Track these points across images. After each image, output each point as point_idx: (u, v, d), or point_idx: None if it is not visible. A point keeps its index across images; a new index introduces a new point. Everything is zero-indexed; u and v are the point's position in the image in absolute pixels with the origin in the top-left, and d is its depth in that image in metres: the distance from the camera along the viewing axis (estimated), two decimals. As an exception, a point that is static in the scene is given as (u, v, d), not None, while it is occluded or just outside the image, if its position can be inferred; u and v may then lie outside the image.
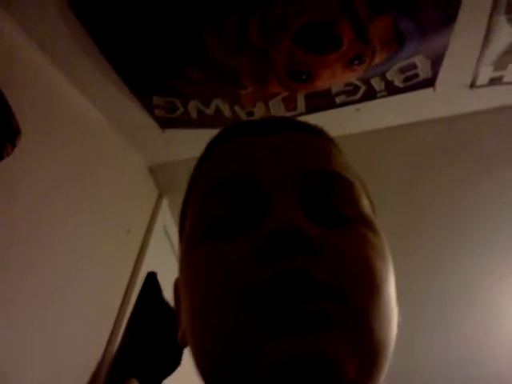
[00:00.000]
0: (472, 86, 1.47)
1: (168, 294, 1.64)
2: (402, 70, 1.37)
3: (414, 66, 1.36)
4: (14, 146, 1.06)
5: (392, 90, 1.46)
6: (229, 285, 0.35)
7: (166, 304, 1.61)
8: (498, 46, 1.29)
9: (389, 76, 1.39)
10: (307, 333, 0.31)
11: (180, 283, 0.44)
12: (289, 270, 0.33)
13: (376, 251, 0.38)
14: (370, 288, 0.35)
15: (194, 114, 1.53)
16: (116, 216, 1.59)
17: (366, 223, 0.41)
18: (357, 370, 0.32)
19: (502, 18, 1.20)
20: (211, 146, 0.50)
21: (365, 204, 0.43)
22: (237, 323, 0.33)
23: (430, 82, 1.43)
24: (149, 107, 1.53)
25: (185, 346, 0.44)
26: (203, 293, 0.37)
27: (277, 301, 0.32)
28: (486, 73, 1.41)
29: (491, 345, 2.38)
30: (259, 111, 1.52)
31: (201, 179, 0.47)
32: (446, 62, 1.35)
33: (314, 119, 1.59)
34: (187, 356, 1.46)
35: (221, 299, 0.35)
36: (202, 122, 1.58)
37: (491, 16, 1.20)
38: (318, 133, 0.49)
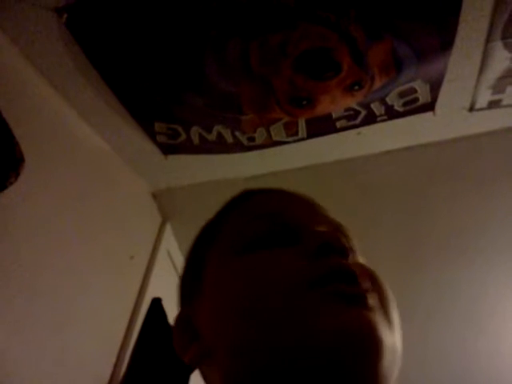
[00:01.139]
0: (471, 109, 1.49)
1: (173, 320, 1.64)
2: (401, 95, 1.39)
3: (413, 91, 1.38)
4: (17, 174, 1.07)
5: (392, 114, 1.47)
6: (289, 274, 0.42)
7: (171, 329, 1.60)
8: (495, 70, 1.31)
9: (389, 100, 1.41)
10: (360, 308, 0.39)
11: (207, 298, 0.50)
12: (339, 267, 0.42)
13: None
14: (389, 295, 0.45)
15: (196, 140, 1.55)
16: (120, 242, 1.60)
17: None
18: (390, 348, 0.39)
19: (498, 44, 1.22)
20: (241, 198, 0.59)
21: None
22: (301, 299, 0.40)
23: (429, 106, 1.45)
24: (151, 134, 1.55)
25: (196, 366, 0.50)
26: (263, 286, 0.43)
27: (332, 284, 0.40)
28: (484, 96, 1.43)
29: (502, 355, 2.38)
30: (261, 137, 1.53)
31: (235, 216, 0.55)
32: (445, 86, 1.37)
33: (315, 143, 1.61)
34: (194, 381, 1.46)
35: (286, 285, 0.42)
36: (204, 148, 1.59)
37: (487, 41, 1.22)
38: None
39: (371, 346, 0.37)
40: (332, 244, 0.44)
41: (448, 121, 1.55)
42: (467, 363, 2.40)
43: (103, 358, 1.41)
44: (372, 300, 0.41)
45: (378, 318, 0.39)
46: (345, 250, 0.44)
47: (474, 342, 2.33)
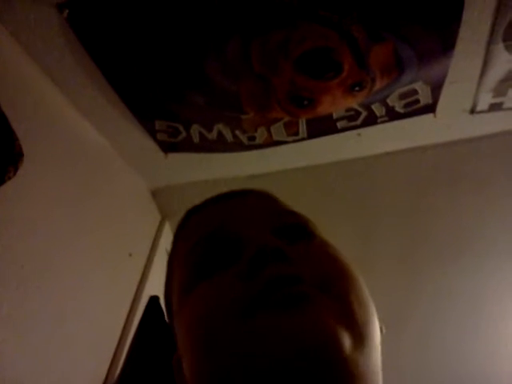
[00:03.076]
0: (472, 111, 1.49)
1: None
2: (402, 96, 1.39)
3: (414, 92, 1.37)
4: (16, 169, 1.06)
5: (393, 115, 1.47)
6: (224, 305, 0.40)
7: (169, 328, 1.59)
8: (496, 72, 1.31)
9: (390, 102, 1.41)
10: (298, 307, 0.37)
11: (179, 343, 0.50)
12: (276, 276, 0.39)
13: (338, 252, 0.47)
14: (344, 276, 0.43)
15: (196, 139, 1.55)
16: (118, 239, 1.59)
17: (324, 240, 0.50)
18: (350, 341, 0.37)
19: (499, 46, 1.21)
20: (184, 220, 0.60)
21: (319, 231, 0.52)
22: (237, 330, 0.38)
23: (430, 108, 1.45)
24: (151, 132, 1.55)
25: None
26: (206, 321, 0.41)
27: (270, 298, 0.38)
28: (485, 99, 1.43)
29: (500, 358, 2.38)
30: (261, 136, 1.53)
31: (180, 245, 0.56)
32: (446, 88, 1.36)
33: (316, 144, 1.61)
34: None
35: (221, 317, 0.40)
36: (204, 147, 1.59)
37: (489, 44, 1.22)
38: (255, 192, 0.59)
39: (322, 342, 0.36)
40: (266, 250, 0.41)
41: (449, 123, 1.54)
42: (466, 366, 2.40)
43: (100, 355, 1.40)
44: (312, 291, 0.39)
45: (321, 310, 0.37)
46: (278, 253, 0.41)
47: (473, 344, 2.33)
